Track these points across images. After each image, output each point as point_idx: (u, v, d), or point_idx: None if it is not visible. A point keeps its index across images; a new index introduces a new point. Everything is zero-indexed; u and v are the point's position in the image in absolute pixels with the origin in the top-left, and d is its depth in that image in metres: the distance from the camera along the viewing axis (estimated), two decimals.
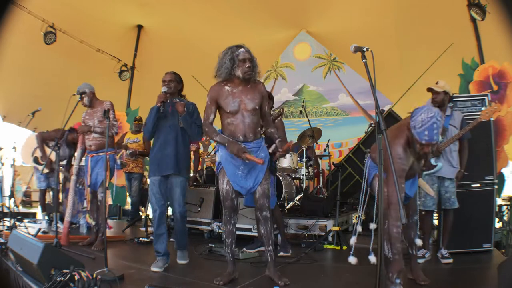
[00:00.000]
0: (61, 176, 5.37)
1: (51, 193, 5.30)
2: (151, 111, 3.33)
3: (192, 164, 5.19)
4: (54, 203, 5.16)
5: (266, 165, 2.83)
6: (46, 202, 5.67)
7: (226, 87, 2.80)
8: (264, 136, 2.94)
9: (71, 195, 4.34)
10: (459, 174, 3.49)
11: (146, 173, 7.81)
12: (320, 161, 6.31)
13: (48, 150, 5.17)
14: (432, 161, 3.41)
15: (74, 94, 4.14)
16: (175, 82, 3.43)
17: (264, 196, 2.80)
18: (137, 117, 6.39)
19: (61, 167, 5.30)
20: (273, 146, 3.08)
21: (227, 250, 2.85)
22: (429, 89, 3.53)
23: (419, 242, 2.78)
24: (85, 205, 4.81)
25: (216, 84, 2.84)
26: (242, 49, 2.75)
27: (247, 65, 2.74)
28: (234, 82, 2.81)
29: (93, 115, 4.15)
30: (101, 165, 4.05)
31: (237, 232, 3.01)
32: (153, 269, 3.14)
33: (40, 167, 5.31)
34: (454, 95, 3.76)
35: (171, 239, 4.25)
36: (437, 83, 3.52)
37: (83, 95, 4.13)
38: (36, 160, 5.38)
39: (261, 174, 2.80)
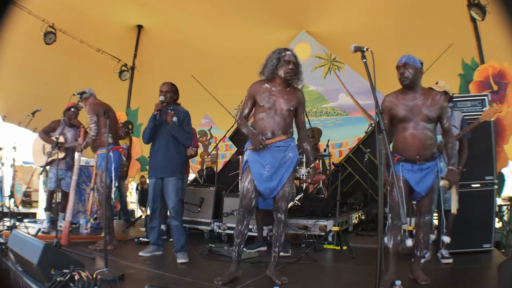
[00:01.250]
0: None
1: (59, 194, 5.27)
2: (150, 119, 3.65)
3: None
4: (61, 204, 5.20)
5: (293, 168, 2.87)
6: (53, 202, 5.65)
7: (266, 85, 2.89)
8: (294, 138, 2.96)
9: (72, 195, 4.35)
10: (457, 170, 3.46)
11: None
12: (326, 161, 6.31)
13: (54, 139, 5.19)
14: None
15: (74, 94, 4.15)
16: (171, 93, 3.73)
17: (283, 199, 2.85)
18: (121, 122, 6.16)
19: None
20: (306, 170, 3.13)
21: (234, 249, 2.86)
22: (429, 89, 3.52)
23: (446, 239, 2.80)
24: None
25: (257, 81, 2.94)
26: (289, 52, 2.88)
27: (290, 67, 2.84)
28: (275, 82, 2.89)
29: None
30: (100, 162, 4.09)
31: None
32: (140, 253, 3.68)
33: (48, 167, 5.33)
34: (454, 95, 3.76)
35: (171, 239, 4.28)
36: (437, 83, 3.52)
37: (84, 95, 4.14)
38: (50, 154, 5.38)
39: (286, 175, 2.83)
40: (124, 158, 5.76)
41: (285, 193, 2.84)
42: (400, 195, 2.16)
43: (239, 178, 3.21)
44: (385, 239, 2.66)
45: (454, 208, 3.23)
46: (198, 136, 8.32)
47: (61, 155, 5.05)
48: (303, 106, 3.00)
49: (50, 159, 5.15)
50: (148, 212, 3.89)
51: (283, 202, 2.85)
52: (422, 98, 2.73)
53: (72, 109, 5.14)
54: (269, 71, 2.86)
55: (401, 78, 2.73)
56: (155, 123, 3.60)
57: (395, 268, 2.83)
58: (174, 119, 3.61)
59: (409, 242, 2.75)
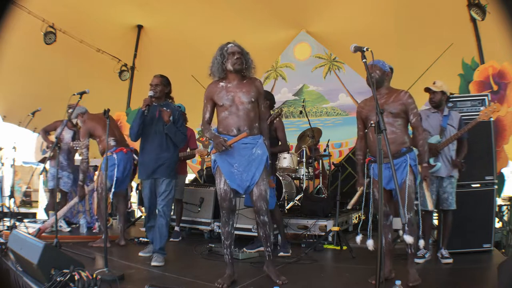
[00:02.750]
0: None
1: (58, 194, 5.29)
2: (137, 114, 3.44)
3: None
4: (61, 205, 5.20)
5: (264, 165, 2.78)
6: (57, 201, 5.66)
7: (221, 83, 2.86)
8: (262, 135, 2.88)
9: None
10: (457, 162, 3.45)
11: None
12: (326, 161, 6.31)
13: (52, 138, 5.25)
14: (431, 160, 3.41)
15: (74, 94, 4.15)
16: (161, 86, 3.52)
17: (261, 199, 2.74)
18: None
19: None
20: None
21: (226, 252, 2.83)
22: (427, 89, 3.53)
23: (422, 243, 2.77)
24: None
25: (211, 83, 2.91)
26: (230, 44, 2.85)
27: (235, 57, 2.79)
28: (229, 78, 2.86)
29: None
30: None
31: (237, 232, 3.01)
32: (140, 253, 3.70)
33: (47, 166, 5.35)
34: (453, 95, 3.76)
35: (171, 239, 4.29)
36: (434, 83, 3.52)
37: (84, 94, 4.15)
38: (45, 153, 5.44)
39: (258, 173, 2.74)
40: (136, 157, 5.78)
41: (261, 192, 2.74)
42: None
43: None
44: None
45: (430, 205, 3.17)
46: (198, 136, 8.32)
47: (51, 154, 5.07)
48: (263, 95, 2.96)
49: (42, 157, 5.21)
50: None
51: (262, 202, 2.74)
52: (385, 97, 2.84)
53: (70, 110, 5.15)
54: (217, 70, 2.81)
55: (369, 78, 2.88)
56: (143, 119, 3.41)
57: (390, 267, 2.84)
58: (171, 118, 3.47)
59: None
